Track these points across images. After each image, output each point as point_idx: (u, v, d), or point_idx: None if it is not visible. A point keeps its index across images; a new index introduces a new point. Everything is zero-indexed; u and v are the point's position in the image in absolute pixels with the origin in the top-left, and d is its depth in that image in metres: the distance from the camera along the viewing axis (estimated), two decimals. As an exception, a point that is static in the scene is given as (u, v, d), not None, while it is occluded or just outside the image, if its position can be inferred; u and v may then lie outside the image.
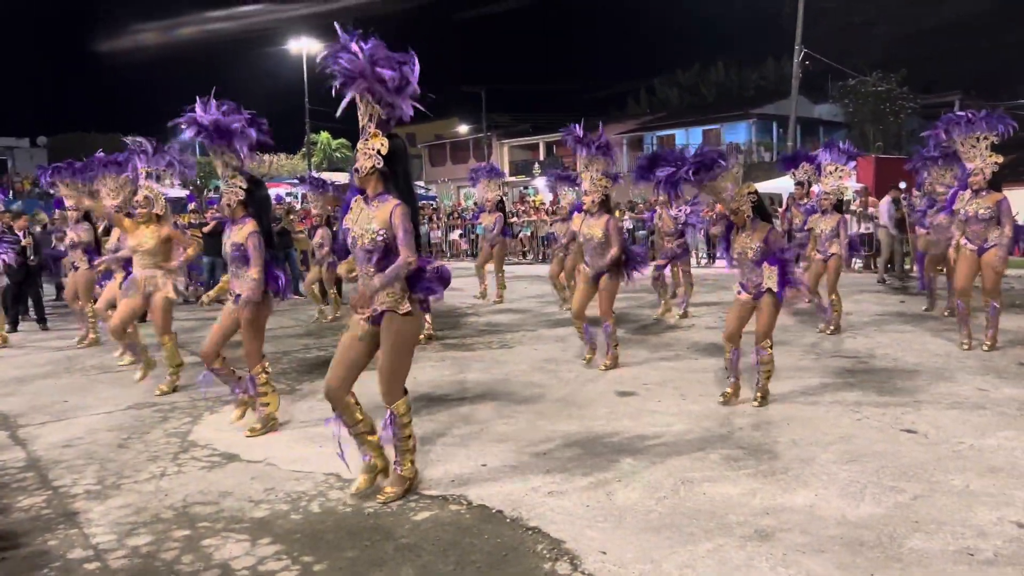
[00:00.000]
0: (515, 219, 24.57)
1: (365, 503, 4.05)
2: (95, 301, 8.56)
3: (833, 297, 8.70)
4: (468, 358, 7.96)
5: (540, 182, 30.58)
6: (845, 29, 36.85)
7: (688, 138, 36.54)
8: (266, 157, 42.18)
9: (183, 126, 4.98)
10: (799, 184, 10.73)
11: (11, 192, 30.35)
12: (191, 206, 15.83)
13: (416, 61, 3.76)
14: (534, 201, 26.76)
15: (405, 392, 4.12)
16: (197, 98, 4.99)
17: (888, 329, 8.90)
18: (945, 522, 3.63)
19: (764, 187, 21.46)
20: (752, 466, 4.46)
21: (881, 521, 3.66)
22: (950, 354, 7.42)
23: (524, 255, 23.70)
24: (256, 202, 5.35)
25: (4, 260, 9.20)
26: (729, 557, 3.35)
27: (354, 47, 3.65)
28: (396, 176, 3.90)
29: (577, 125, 7.07)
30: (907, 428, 5.10)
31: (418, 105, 3.85)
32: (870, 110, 33.78)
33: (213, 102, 4.98)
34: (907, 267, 15.11)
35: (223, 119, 4.96)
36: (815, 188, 10.28)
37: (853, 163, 8.70)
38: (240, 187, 5.23)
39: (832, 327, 8.62)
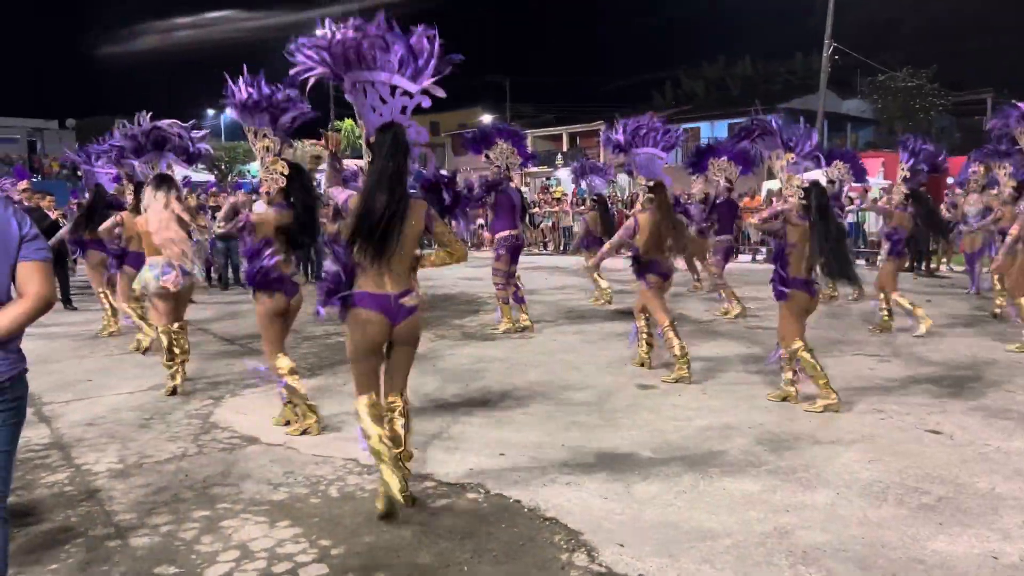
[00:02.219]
0: (537, 210, 24.53)
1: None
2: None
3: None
4: (488, 347, 7.95)
5: (563, 173, 30.44)
6: (874, 24, 36.37)
7: (713, 131, 36.15)
8: (296, 143, 42.34)
9: (227, 104, 4.87)
10: (831, 182, 10.56)
11: (40, 173, 30.70)
12: (212, 191, 15.89)
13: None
14: (555, 192, 26.67)
15: None
16: (241, 77, 4.82)
17: (913, 328, 8.77)
18: (970, 525, 3.58)
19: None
20: (773, 463, 4.41)
21: (904, 522, 3.61)
22: (976, 355, 7.30)
23: (544, 246, 23.65)
24: (296, 190, 5.03)
25: None
26: (748, 553, 3.32)
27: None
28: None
29: (621, 129, 6.78)
30: (932, 429, 5.03)
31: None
32: (899, 106, 33.32)
33: (248, 82, 4.80)
34: (935, 266, 14.93)
35: (266, 97, 4.81)
36: (849, 185, 10.10)
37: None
38: (282, 174, 4.97)
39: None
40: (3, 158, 34.34)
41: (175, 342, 6.11)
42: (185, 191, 7.25)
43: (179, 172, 6.57)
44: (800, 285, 5.49)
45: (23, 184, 10.64)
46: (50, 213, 10.71)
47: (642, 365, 6.83)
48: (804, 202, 5.39)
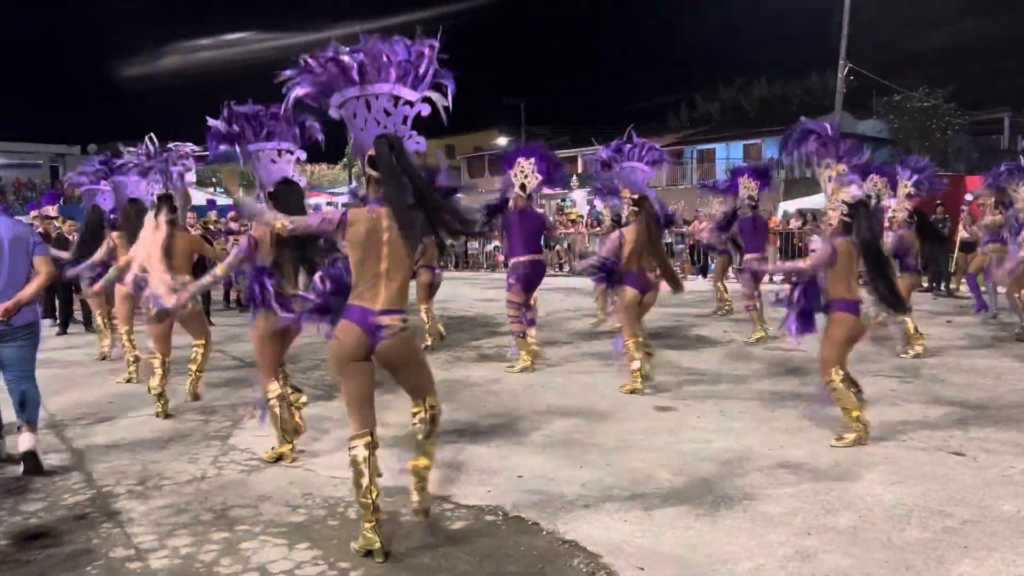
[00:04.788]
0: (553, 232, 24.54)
1: (402, 510, 4.06)
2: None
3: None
4: (504, 369, 7.93)
5: (578, 195, 30.50)
6: (890, 44, 36.38)
7: (728, 152, 36.23)
8: (307, 166, 42.81)
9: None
10: (867, 197, 10.45)
11: (62, 198, 31.11)
12: (232, 213, 15.74)
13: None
14: (570, 214, 26.70)
15: None
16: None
17: (934, 349, 8.68)
18: (996, 548, 3.52)
19: (805, 203, 21.20)
20: (794, 485, 4.37)
21: (929, 545, 3.56)
22: (1000, 375, 7.22)
23: (561, 267, 23.65)
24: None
25: None
26: (770, 577, 3.28)
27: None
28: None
29: (605, 148, 7.23)
30: (955, 451, 4.97)
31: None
32: (915, 127, 33.19)
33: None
34: (954, 287, 14.79)
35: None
36: (886, 202, 9.86)
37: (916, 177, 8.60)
38: None
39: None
40: (27, 183, 34.93)
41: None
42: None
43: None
44: (844, 306, 5.07)
45: (51, 210, 11.05)
46: (70, 237, 10.90)
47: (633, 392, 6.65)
48: (848, 219, 5.11)
